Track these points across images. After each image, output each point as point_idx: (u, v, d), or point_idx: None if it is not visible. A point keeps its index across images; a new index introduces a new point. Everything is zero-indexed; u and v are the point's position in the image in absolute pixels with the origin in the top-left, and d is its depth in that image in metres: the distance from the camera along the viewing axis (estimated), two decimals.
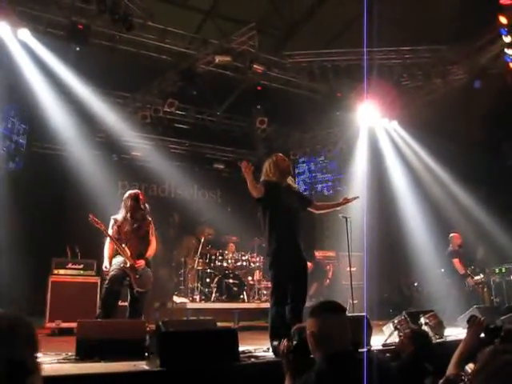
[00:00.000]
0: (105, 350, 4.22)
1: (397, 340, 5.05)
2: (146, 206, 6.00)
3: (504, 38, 8.06)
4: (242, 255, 9.63)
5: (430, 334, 5.65)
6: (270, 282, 5.57)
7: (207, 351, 3.95)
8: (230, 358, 4.07)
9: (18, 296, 8.04)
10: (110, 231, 5.80)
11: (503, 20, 7.92)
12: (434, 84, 9.91)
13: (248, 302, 9.16)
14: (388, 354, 2.78)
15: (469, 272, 8.92)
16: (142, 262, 5.72)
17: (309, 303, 5.25)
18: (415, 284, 11.42)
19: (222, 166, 12.62)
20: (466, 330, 3.11)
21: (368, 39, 6.55)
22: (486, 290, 9.13)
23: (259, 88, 9.87)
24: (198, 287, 9.03)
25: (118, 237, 5.77)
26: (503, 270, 9.05)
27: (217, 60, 8.98)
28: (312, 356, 2.45)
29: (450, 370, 2.76)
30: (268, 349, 4.82)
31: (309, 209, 5.40)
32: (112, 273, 5.59)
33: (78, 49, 8.06)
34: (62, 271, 7.72)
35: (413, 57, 9.54)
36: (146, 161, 11.36)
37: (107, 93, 10.14)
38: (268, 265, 5.02)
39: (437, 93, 10.04)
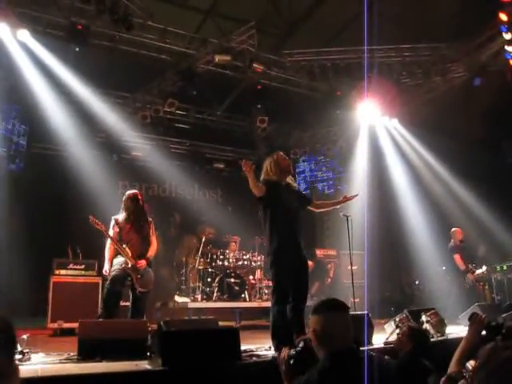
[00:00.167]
0: (107, 350, 4.22)
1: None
2: (146, 205, 6.01)
3: (504, 35, 8.05)
4: (243, 254, 9.63)
5: (432, 331, 5.67)
6: (271, 281, 5.57)
7: (209, 350, 3.95)
8: (231, 357, 4.08)
9: (20, 297, 8.05)
10: (111, 231, 5.80)
11: (503, 17, 7.91)
12: (433, 82, 9.91)
13: (249, 301, 9.16)
14: (387, 357, 2.77)
15: (470, 267, 8.91)
16: (143, 262, 5.73)
17: (310, 302, 5.25)
18: (416, 282, 11.42)
19: (222, 166, 12.62)
20: (467, 328, 3.11)
21: (368, 37, 6.56)
22: (487, 287, 9.12)
23: (259, 87, 9.87)
24: (199, 287, 9.03)
25: (118, 237, 5.77)
26: (504, 268, 9.05)
27: (216, 59, 8.98)
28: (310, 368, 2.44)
29: (452, 367, 2.77)
30: (270, 347, 4.83)
31: (309, 207, 5.41)
32: (113, 273, 5.60)
33: (77, 49, 8.06)
34: (63, 272, 7.72)
35: (412, 55, 9.54)
36: (147, 161, 11.37)
37: (107, 93, 10.14)
38: (269, 264, 5.02)
39: (437, 91, 10.04)
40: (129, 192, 6.12)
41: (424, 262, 10.45)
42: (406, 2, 8.37)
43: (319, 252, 10.92)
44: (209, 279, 9.19)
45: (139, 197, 5.94)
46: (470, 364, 2.43)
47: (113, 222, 5.86)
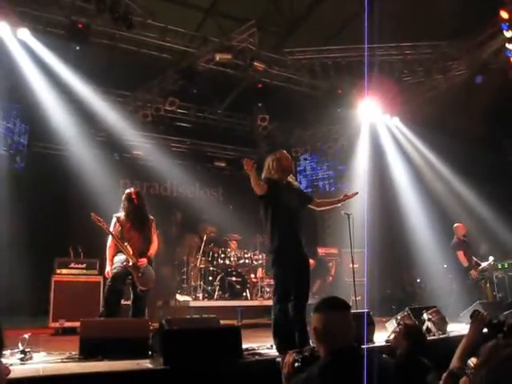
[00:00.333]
0: (108, 349, 4.23)
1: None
2: (145, 203, 6.01)
3: (505, 32, 8.05)
4: (244, 253, 9.63)
5: (433, 329, 5.67)
6: (272, 280, 5.57)
7: (210, 349, 3.96)
8: (233, 356, 4.09)
9: (21, 296, 8.06)
10: (112, 229, 5.81)
11: (504, 15, 7.91)
12: (434, 80, 9.90)
13: (251, 299, 9.17)
14: (385, 355, 2.77)
15: (475, 260, 8.91)
16: (144, 261, 5.73)
17: (312, 300, 5.25)
18: (418, 280, 11.41)
19: (223, 164, 12.62)
20: (468, 326, 3.11)
21: (369, 35, 6.54)
22: (488, 285, 9.12)
23: (260, 86, 9.86)
24: (200, 285, 9.03)
25: (120, 235, 5.78)
26: (506, 266, 9.04)
27: (217, 58, 8.97)
28: None
29: (454, 364, 2.77)
30: (271, 346, 4.83)
31: (309, 206, 5.41)
32: (114, 271, 5.61)
33: (78, 48, 8.06)
34: (64, 271, 7.72)
35: (413, 53, 9.53)
36: (148, 160, 11.37)
37: (108, 92, 10.14)
38: (270, 262, 5.03)
39: (438, 89, 10.03)
40: (126, 190, 6.14)
41: (425, 260, 10.44)
42: None
43: (321, 250, 10.94)
44: (210, 278, 9.19)
45: (133, 196, 5.93)
46: (472, 361, 2.43)
47: (114, 220, 5.87)
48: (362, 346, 2.73)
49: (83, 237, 8.10)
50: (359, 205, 7.47)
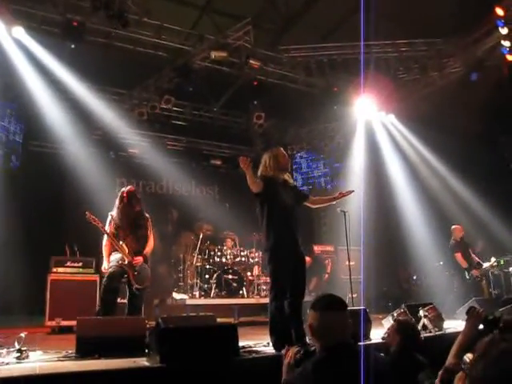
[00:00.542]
0: (105, 348, 4.22)
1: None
2: (139, 202, 6.00)
3: (500, 29, 8.04)
4: (240, 251, 9.65)
5: (430, 326, 5.69)
6: (269, 277, 5.57)
7: (207, 347, 3.96)
8: (230, 354, 4.09)
9: (17, 295, 8.04)
10: (108, 227, 5.79)
11: (500, 12, 7.91)
12: (430, 77, 9.89)
13: (247, 297, 9.18)
14: (381, 354, 2.77)
15: (477, 260, 8.94)
16: (139, 259, 5.72)
17: (308, 298, 5.26)
18: (414, 277, 11.44)
19: (219, 162, 12.62)
20: (464, 322, 3.12)
21: (364, 33, 6.55)
22: (484, 282, 9.15)
23: (256, 83, 9.83)
24: (197, 283, 9.04)
25: (115, 233, 5.77)
26: (502, 263, 9.08)
27: (213, 56, 8.95)
28: None
29: (450, 360, 2.78)
30: (268, 343, 4.84)
31: (305, 203, 5.41)
32: (110, 270, 5.60)
33: (73, 46, 8.02)
34: (60, 269, 7.69)
35: (409, 50, 9.53)
36: (144, 158, 11.36)
37: (103, 90, 10.11)
38: (266, 260, 5.03)
39: (433, 86, 10.03)
40: (122, 189, 6.14)
41: (421, 257, 10.47)
42: None
43: (317, 248, 10.94)
44: (206, 276, 9.20)
45: (124, 194, 5.92)
46: (468, 357, 2.44)
47: (109, 218, 5.85)
48: (359, 343, 2.74)
49: (79, 235, 8.08)
50: (355, 202, 7.48)
